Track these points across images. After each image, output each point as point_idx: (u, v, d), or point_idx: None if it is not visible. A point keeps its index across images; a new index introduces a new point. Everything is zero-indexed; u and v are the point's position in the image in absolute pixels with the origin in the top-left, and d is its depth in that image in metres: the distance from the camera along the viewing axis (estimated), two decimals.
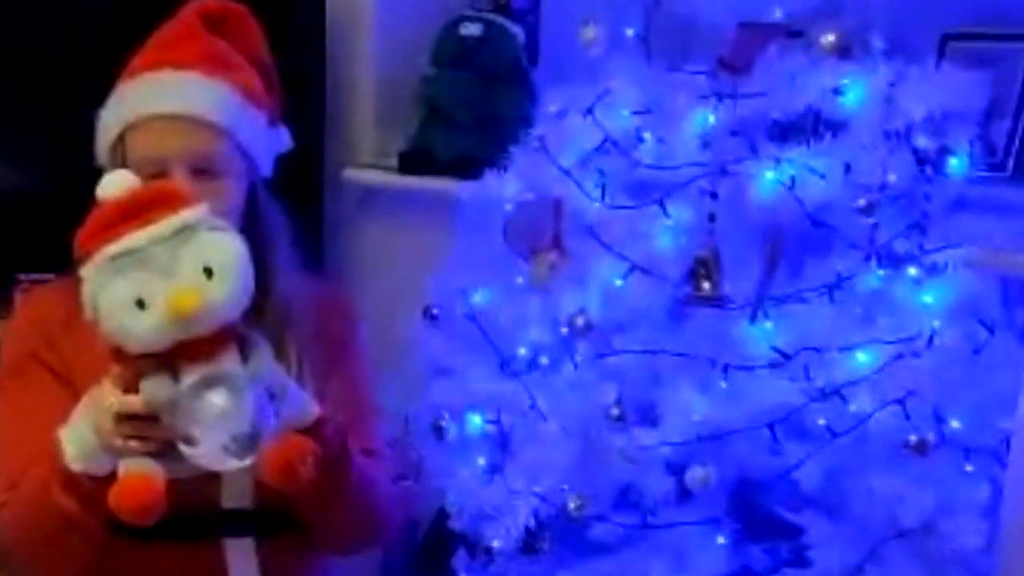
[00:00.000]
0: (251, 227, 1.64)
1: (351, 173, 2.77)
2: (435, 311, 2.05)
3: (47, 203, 2.55)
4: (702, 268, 1.77)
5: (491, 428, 1.92)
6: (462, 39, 2.61)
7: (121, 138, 1.63)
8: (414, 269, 2.06)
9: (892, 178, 1.70)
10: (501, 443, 1.91)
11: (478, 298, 2.00)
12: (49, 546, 1.60)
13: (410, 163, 2.68)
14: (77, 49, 2.49)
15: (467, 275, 2.02)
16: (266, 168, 1.71)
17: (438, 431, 1.97)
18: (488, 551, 1.85)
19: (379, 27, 2.79)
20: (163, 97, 1.61)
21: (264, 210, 1.69)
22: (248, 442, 1.43)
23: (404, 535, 2.20)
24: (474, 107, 2.59)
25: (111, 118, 1.65)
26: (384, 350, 1.95)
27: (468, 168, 2.21)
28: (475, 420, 1.95)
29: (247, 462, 1.44)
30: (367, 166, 2.78)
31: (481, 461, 1.93)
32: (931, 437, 1.66)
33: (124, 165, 1.60)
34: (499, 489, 1.85)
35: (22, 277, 2.54)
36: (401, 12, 2.80)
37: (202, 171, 1.59)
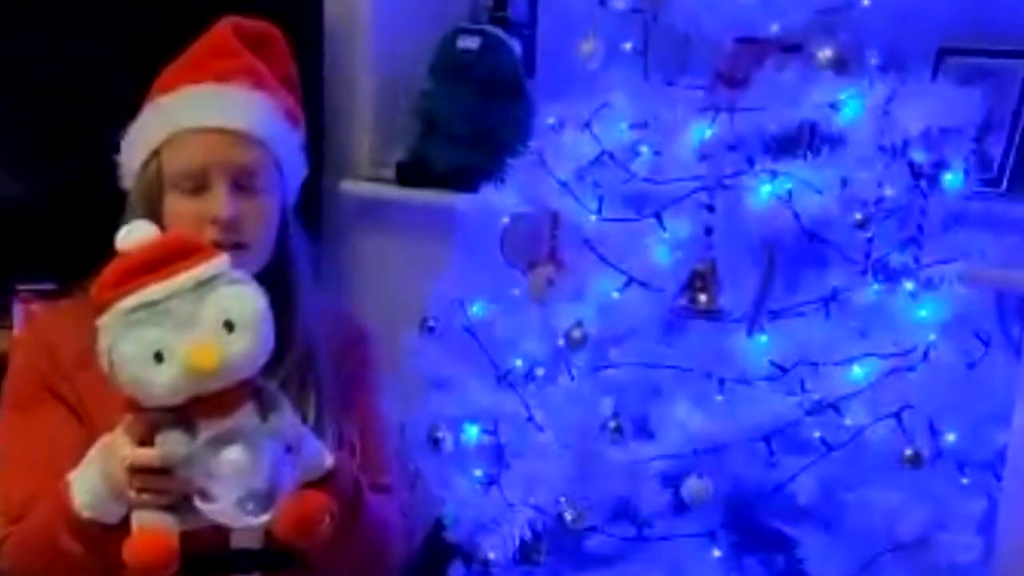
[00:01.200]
0: (278, 253, 1.63)
1: (348, 185, 2.77)
2: (432, 323, 2.05)
3: (46, 214, 2.55)
4: (699, 281, 1.78)
5: (488, 440, 1.93)
6: (460, 52, 2.61)
7: (156, 153, 1.59)
8: (411, 281, 2.06)
9: (888, 192, 1.71)
10: (498, 455, 1.91)
11: (475, 310, 2.00)
12: None
13: (407, 175, 2.68)
14: (79, 60, 2.50)
15: (464, 287, 2.03)
16: (293, 193, 1.68)
17: (435, 442, 1.97)
18: (484, 562, 1.85)
19: (376, 39, 2.79)
20: (207, 110, 1.57)
21: (292, 237, 1.66)
22: (264, 499, 1.40)
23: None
24: (472, 120, 2.59)
25: (144, 134, 1.61)
26: (381, 361, 1.95)
27: (465, 180, 2.21)
28: (472, 431, 1.96)
29: (263, 520, 1.42)
30: (364, 178, 2.79)
31: (478, 472, 1.94)
32: (926, 451, 1.66)
33: (158, 182, 1.58)
34: (495, 500, 1.86)
35: (21, 287, 2.54)
36: (398, 24, 2.80)
37: (243, 187, 1.57)
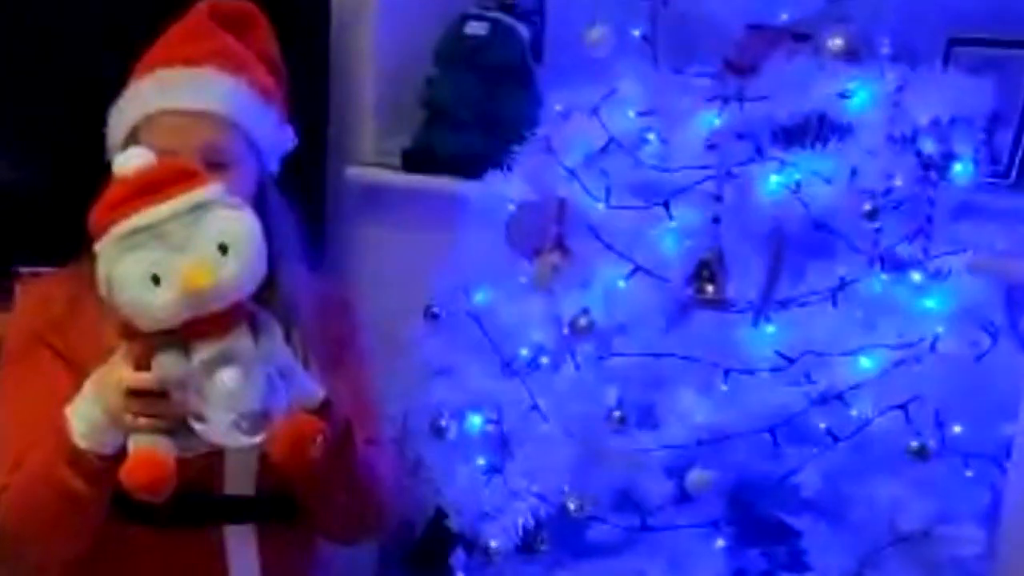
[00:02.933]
0: (259, 221, 1.65)
1: (354, 171, 2.77)
2: (436, 310, 2.05)
3: (48, 196, 2.55)
4: (705, 271, 1.77)
5: (491, 428, 1.92)
6: (467, 38, 2.60)
7: (134, 133, 1.64)
8: (416, 268, 2.06)
9: (897, 183, 1.70)
10: (501, 443, 1.91)
11: (480, 297, 2.00)
12: (51, 525, 1.60)
13: (413, 162, 2.67)
14: (77, 43, 2.49)
15: (469, 274, 2.02)
16: (273, 164, 1.72)
17: (438, 430, 1.96)
18: (486, 551, 1.84)
19: (382, 25, 2.78)
20: (177, 93, 1.63)
21: (271, 205, 1.70)
22: (258, 419, 1.44)
23: (401, 533, 2.19)
24: (478, 106, 2.59)
25: (124, 114, 1.66)
26: (385, 349, 1.95)
27: (471, 167, 2.21)
28: (475, 420, 1.95)
29: (257, 439, 1.46)
30: (370, 164, 2.78)
31: (481, 461, 1.93)
32: (932, 443, 1.66)
33: None
34: (498, 489, 1.85)
35: (23, 270, 2.53)
36: (405, 10, 2.79)
37: (214, 164, 1.60)
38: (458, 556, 1.94)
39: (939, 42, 2.19)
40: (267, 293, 1.56)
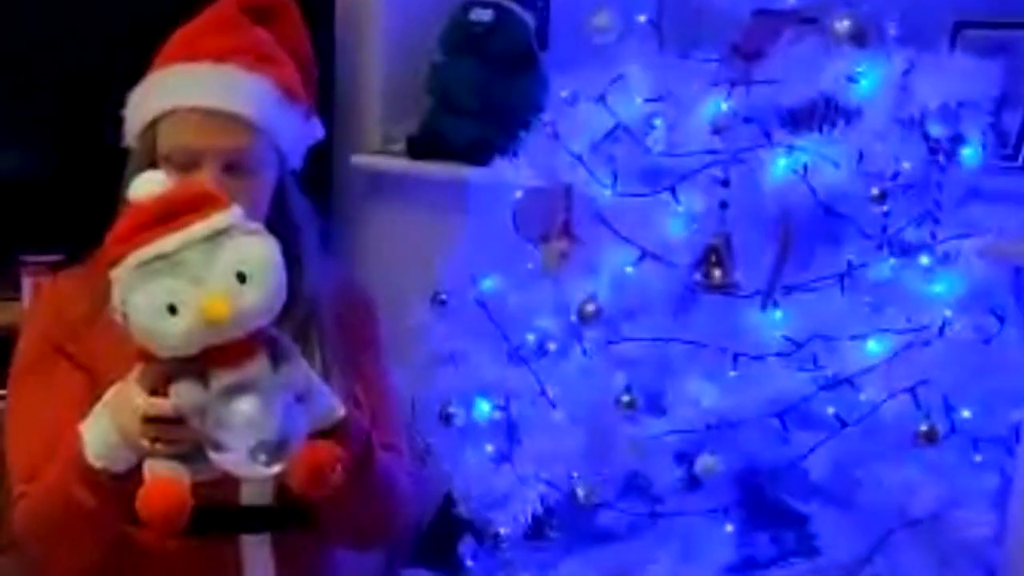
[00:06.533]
0: (278, 219, 1.62)
1: (360, 159, 2.77)
2: (444, 297, 2.04)
3: (54, 185, 2.55)
4: (713, 256, 1.77)
5: (499, 415, 1.92)
6: (472, 24, 2.60)
7: (152, 125, 1.61)
8: (423, 255, 2.06)
9: (905, 166, 1.69)
10: (509, 430, 1.91)
11: (487, 284, 1.99)
12: (65, 539, 1.59)
13: (419, 149, 2.67)
14: (82, 31, 2.49)
15: (477, 261, 2.02)
16: (296, 161, 1.69)
17: (446, 417, 1.97)
18: (495, 537, 1.85)
19: (388, 12, 2.78)
20: (201, 90, 1.59)
21: (292, 203, 1.66)
22: (276, 449, 1.41)
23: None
24: (484, 93, 2.58)
25: (147, 102, 1.62)
26: (393, 336, 1.94)
27: (478, 154, 2.20)
28: (483, 407, 1.95)
29: (275, 470, 1.43)
30: (376, 152, 2.78)
31: (489, 448, 1.93)
32: (941, 427, 1.65)
33: (154, 149, 1.60)
34: (507, 476, 1.86)
35: (28, 259, 2.54)
36: None
37: (234, 167, 1.58)
38: (467, 543, 1.94)
39: (946, 25, 2.18)
40: (289, 280, 1.52)
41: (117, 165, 1.63)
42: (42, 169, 2.59)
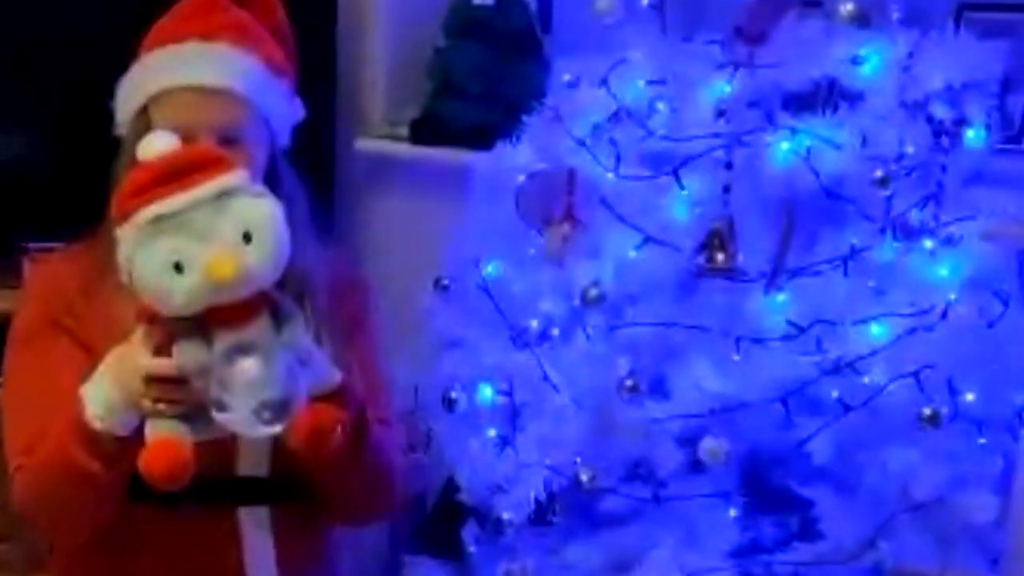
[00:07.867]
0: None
1: (362, 143, 2.76)
2: (447, 282, 2.04)
3: (55, 172, 2.54)
4: (716, 239, 1.77)
5: (502, 400, 1.92)
6: (475, 8, 2.59)
7: (144, 108, 1.62)
8: (426, 240, 2.05)
9: (909, 149, 1.69)
10: (512, 415, 1.91)
11: (490, 269, 1.99)
12: (66, 505, 1.60)
13: (422, 133, 2.67)
14: (80, 17, 2.48)
15: (479, 246, 2.02)
16: (284, 138, 1.71)
17: (449, 403, 1.96)
18: (498, 522, 1.85)
19: None
20: (191, 69, 1.60)
21: (283, 180, 1.69)
22: (279, 409, 1.43)
23: (413, 506, 2.19)
24: (487, 77, 2.58)
25: (136, 88, 1.64)
26: (395, 321, 1.94)
27: (481, 138, 2.20)
28: (486, 392, 1.95)
29: (277, 429, 1.45)
30: (378, 136, 2.77)
31: (492, 433, 1.93)
32: (945, 410, 1.65)
33: (147, 133, 1.60)
34: (510, 461, 1.86)
35: (30, 246, 2.53)
36: None
37: (228, 140, 1.59)
38: (470, 528, 1.94)
39: (950, 6, 2.17)
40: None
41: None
42: (44, 156, 2.59)
